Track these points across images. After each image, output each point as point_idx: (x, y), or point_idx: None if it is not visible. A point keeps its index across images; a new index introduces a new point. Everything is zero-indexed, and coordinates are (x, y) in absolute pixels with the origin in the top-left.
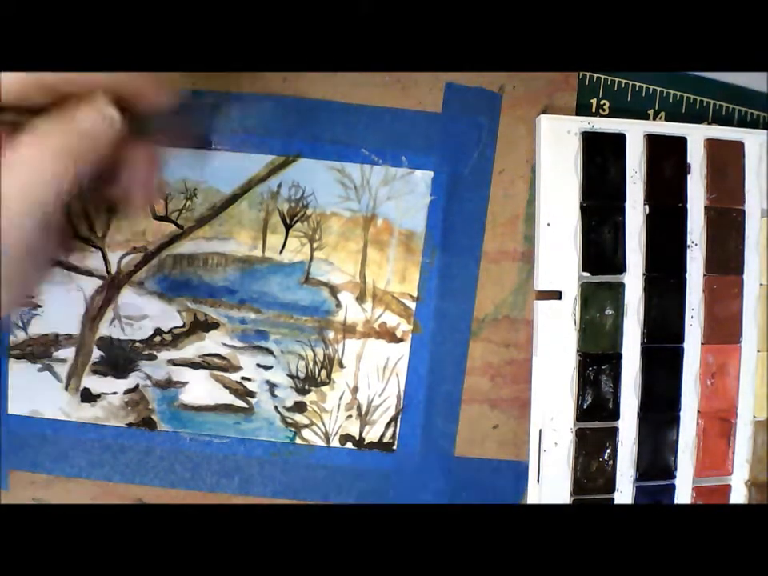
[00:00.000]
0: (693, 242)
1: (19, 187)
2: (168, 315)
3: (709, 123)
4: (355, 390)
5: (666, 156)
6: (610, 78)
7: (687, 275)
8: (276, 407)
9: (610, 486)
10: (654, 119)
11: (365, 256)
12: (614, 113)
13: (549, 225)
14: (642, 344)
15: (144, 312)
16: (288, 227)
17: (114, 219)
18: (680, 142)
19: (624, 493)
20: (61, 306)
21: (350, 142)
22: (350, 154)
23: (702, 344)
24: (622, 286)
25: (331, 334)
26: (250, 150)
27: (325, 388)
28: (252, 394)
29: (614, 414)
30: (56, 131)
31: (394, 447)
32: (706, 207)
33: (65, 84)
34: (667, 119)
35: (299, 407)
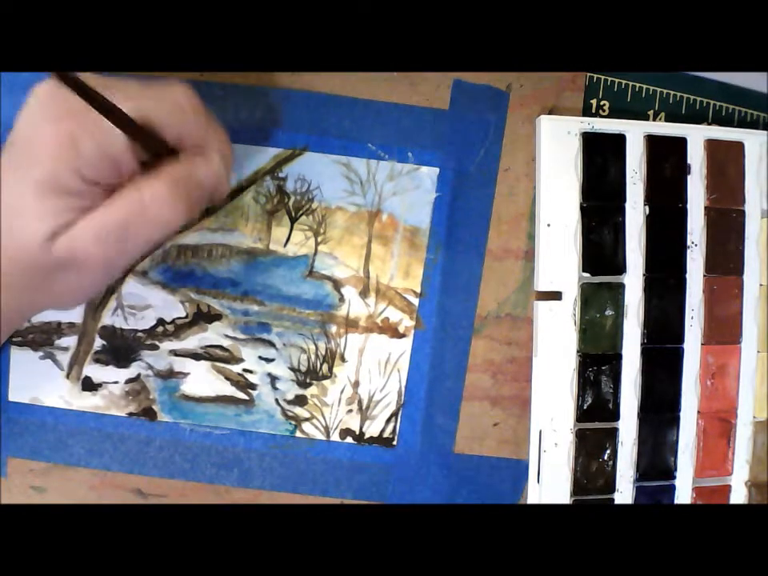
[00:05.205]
0: (693, 243)
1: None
2: (171, 305)
3: (709, 123)
4: (356, 384)
5: (666, 156)
6: (610, 78)
7: (687, 276)
8: (277, 400)
9: (610, 487)
10: (654, 120)
11: (369, 251)
12: (614, 113)
13: (549, 225)
14: (641, 344)
15: (147, 302)
16: (293, 220)
17: None
18: (680, 143)
19: (624, 493)
20: None
21: (357, 136)
22: (356, 148)
23: (702, 344)
24: (622, 286)
25: (334, 328)
26: (257, 142)
27: (326, 382)
28: (253, 386)
29: (614, 415)
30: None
31: (394, 443)
32: (706, 208)
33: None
34: (667, 120)
35: (300, 400)
